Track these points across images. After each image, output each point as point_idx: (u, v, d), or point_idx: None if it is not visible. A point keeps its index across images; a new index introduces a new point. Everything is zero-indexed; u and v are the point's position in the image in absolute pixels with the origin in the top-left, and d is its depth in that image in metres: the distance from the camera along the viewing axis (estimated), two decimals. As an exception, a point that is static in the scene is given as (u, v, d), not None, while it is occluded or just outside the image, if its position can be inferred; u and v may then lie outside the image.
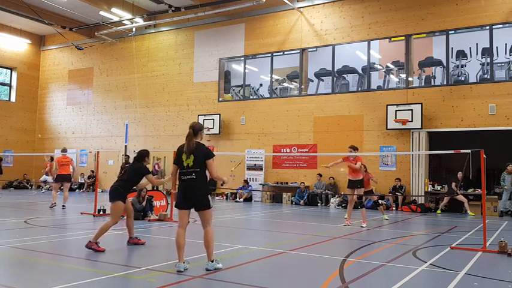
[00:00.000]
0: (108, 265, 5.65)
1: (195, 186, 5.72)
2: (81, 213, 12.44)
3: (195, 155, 5.72)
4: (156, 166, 21.10)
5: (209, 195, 5.87)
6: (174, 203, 5.91)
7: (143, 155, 7.66)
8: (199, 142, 5.87)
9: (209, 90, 21.72)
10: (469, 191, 15.92)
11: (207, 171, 5.86)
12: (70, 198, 18.60)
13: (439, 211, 15.60)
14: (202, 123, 5.91)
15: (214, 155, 5.92)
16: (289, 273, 5.94)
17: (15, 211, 13.47)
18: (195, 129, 5.82)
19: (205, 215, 5.77)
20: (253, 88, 21.95)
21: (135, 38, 23.82)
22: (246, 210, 15.47)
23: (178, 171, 5.88)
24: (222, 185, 6.15)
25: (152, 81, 23.50)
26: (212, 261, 5.72)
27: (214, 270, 5.65)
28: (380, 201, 13.67)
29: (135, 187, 8.02)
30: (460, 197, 15.08)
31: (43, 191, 22.08)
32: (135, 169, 7.53)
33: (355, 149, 11.28)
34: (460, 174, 14.97)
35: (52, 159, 17.33)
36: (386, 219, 12.64)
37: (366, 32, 18.29)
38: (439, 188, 16.51)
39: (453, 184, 15.23)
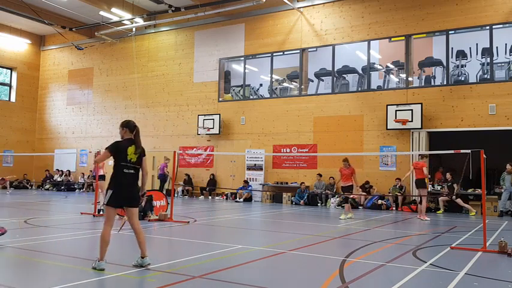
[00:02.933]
0: (108, 265, 5.65)
1: (134, 183, 5.86)
2: (81, 213, 12.44)
3: (140, 154, 5.91)
4: (165, 169, 20.86)
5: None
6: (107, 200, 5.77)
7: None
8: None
9: (209, 90, 21.73)
10: (469, 191, 15.92)
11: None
12: (70, 199, 18.65)
13: (439, 211, 15.58)
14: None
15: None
16: (289, 273, 5.93)
17: (15, 211, 13.47)
18: (135, 126, 5.96)
19: (135, 211, 5.93)
20: (253, 88, 21.95)
21: (135, 38, 23.83)
22: (246, 210, 15.47)
23: (118, 164, 5.79)
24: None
25: (152, 81, 23.50)
26: (143, 257, 5.77)
27: (146, 266, 5.70)
28: (349, 198, 13.67)
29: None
30: (459, 201, 15.08)
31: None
32: None
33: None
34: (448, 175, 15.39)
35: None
36: (347, 219, 12.50)
37: (366, 32, 18.29)
38: (439, 188, 16.50)
39: (455, 185, 15.27)
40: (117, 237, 8.60)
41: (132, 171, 5.83)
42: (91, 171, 21.71)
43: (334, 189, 17.62)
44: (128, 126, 5.92)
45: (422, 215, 13.11)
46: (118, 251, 7.20)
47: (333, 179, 17.88)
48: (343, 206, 16.64)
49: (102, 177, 13.91)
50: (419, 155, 13.59)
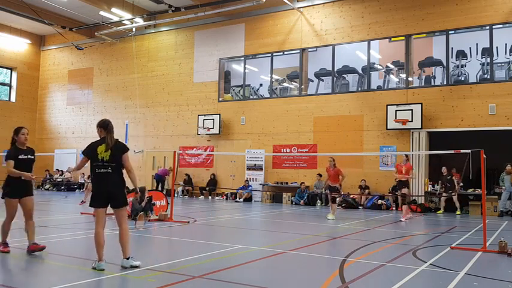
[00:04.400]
0: (108, 265, 5.65)
1: (112, 182, 5.69)
2: (81, 214, 12.44)
3: (112, 150, 5.71)
4: (166, 175, 20.86)
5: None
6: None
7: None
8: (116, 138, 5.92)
9: (209, 90, 21.72)
10: (469, 191, 15.93)
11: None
12: (70, 199, 18.65)
13: (440, 211, 15.58)
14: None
15: (129, 149, 5.98)
16: (289, 273, 5.93)
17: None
18: (112, 126, 5.91)
19: (122, 213, 5.80)
20: (253, 88, 21.95)
21: (135, 38, 23.82)
22: (246, 210, 15.47)
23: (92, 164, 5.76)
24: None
25: (152, 81, 23.50)
26: (128, 259, 5.67)
27: (131, 268, 5.58)
28: (338, 199, 13.68)
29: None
30: (455, 198, 15.13)
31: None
32: None
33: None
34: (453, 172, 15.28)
35: None
36: (330, 219, 12.47)
37: (366, 32, 18.29)
38: (438, 188, 16.50)
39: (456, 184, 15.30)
40: (117, 237, 8.61)
41: (107, 170, 5.65)
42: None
43: (323, 189, 17.65)
44: (103, 125, 5.86)
45: (405, 216, 12.91)
46: (118, 251, 7.20)
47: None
48: (344, 206, 16.74)
49: None
50: (405, 155, 13.25)
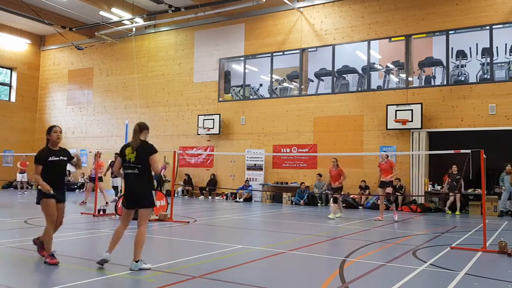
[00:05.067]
0: (108, 265, 5.65)
1: (138, 183, 5.79)
2: (81, 214, 12.44)
3: (138, 151, 5.79)
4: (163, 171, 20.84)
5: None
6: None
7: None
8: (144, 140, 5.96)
9: (209, 90, 21.73)
10: (469, 191, 15.93)
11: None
12: (70, 198, 18.62)
13: (448, 211, 15.43)
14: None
15: (157, 151, 5.92)
16: (289, 273, 5.93)
17: (15, 211, 13.47)
18: (141, 127, 5.96)
19: (144, 214, 5.83)
20: (253, 88, 21.95)
21: (135, 38, 23.82)
22: (246, 210, 15.47)
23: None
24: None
25: (152, 81, 23.50)
26: (137, 262, 5.59)
27: (139, 271, 5.53)
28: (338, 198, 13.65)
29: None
30: (457, 197, 15.12)
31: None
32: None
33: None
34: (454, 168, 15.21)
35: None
36: (337, 218, 12.57)
37: (366, 32, 18.29)
38: (439, 188, 16.51)
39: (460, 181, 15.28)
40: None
41: (134, 171, 5.76)
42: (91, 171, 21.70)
43: (324, 188, 17.69)
44: (134, 128, 5.98)
45: (382, 216, 12.80)
46: (118, 251, 7.20)
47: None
48: (344, 206, 16.72)
49: (100, 179, 14.58)
50: (386, 155, 13.14)
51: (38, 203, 6.00)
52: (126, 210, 5.89)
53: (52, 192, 5.83)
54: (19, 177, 21.26)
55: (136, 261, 5.58)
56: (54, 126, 6.27)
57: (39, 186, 5.92)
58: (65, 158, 6.18)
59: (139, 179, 5.76)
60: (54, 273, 5.63)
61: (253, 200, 19.53)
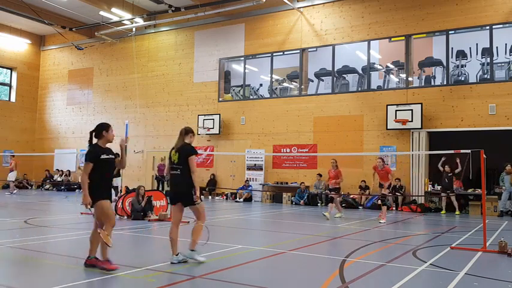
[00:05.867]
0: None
1: (179, 182, 6.15)
2: (81, 214, 12.43)
3: (179, 153, 6.18)
4: (161, 169, 20.84)
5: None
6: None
7: (101, 128, 6.02)
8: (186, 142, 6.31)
9: (209, 90, 21.72)
10: (469, 191, 15.93)
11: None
12: (70, 199, 18.64)
13: (443, 212, 15.50)
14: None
15: (196, 152, 6.27)
16: (289, 273, 5.94)
17: (15, 211, 13.47)
18: (186, 131, 6.36)
19: (193, 210, 6.25)
20: (253, 88, 21.95)
21: (135, 38, 23.82)
22: (246, 210, 15.47)
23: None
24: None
25: (152, 81, 23.50)
26: (193, 250, 6.11)
27: (197, 263, 6.00)
28: (337, 197, 13.63)
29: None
30: (453, 199, 15.11)
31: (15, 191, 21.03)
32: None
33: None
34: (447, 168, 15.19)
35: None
36: (327, 217, 12.55)
37: (366, 32, 18.29)
38: (438, 188, 16.50)
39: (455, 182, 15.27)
40: (117, 237, 8.59)
41: (176, 171, 6.15)
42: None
43: (322, 186, 17.70)
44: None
45: (384, 217, 12.42)
46: (118, 251, 7.19)
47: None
48: (344, 206, 16.72)
49: None
50: (383, 160, 12.84)
51: (92, 206, 5.59)
52: (173, 206, 6.33)
53: (90, 207, 5.58)
54: (10, 176, 21.11)
55: (192, 250, 6.15)
56: (108, 124, 6.05)
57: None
58: (113, 156, 5.98)
59: (181, 178, 6.13)
60: (54, 273, 5.63)
61: (253, 200, 19.53)
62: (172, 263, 5.99)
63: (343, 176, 13.54)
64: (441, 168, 15.49)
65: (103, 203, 5.60)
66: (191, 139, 6.35)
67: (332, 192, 13.19)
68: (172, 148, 6.31)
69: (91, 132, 5.90)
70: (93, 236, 5.68)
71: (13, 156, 22.07)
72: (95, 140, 5.91)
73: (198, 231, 6.23)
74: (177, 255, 6.08)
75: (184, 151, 6.16)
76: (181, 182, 6.12)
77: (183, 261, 6.08)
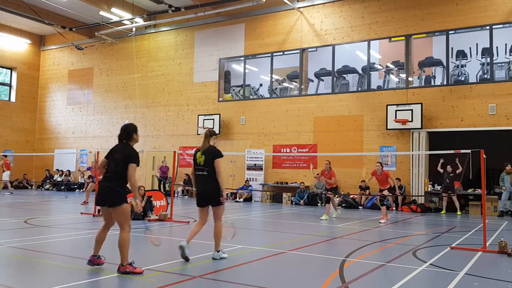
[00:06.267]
0: (108, 265, 5.65)
1: (206, 183, 6.44)
2: (81, 214, 12.44)
3: (206, 155, 6.46)
4: (163, 170, 20.99)
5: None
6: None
7: (131, 130, 5.81)
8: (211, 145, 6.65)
9: (209, 90, 21.72)
10: (469, 191, 15.93)
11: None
12: (70, 199, 18.65)
13: (443, 212, 15.49)
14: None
15: (222, 155, 6.53)
16: (289, 273, 5.94)
17: (15, 211, 13.47)
18: (210, 133, 6.68)
19: (216, 211, 6.49)
20: (253, 88, 21.95)
21: (135, 38, 23.82)
22: (246, 210, 15.47)
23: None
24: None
25: (152, 81, 23.50)
26: (218, 251, 6.46)
27: (220, 260, 6.37)
28: (335, 197, 13.61)
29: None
30: (454, 198, 15.12)
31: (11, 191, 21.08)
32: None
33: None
34: (449, 168, 15.17)
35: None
36: (334, 218, 12.67)
37: (366, 32, 18.29)
38: (438, 188, 16.50)
39: (455, 183, 15.26)
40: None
41: (203, 172, 6.44)
42: (89, 169, 21.74)
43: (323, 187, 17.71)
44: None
45: (384, 217, 12.48)
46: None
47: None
48: (344, 206, 16.74)
49: None
50: (381, 165, 12.74)
51: (118, 204, 5.44)
52: (199, 208, 6.58)
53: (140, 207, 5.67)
54: (4, 176, 21.12)
55: (217, 251, 6.44)
56: (136, 125, 5.92)
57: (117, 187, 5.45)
58: None
59: (208, 179, 6.41)
60: (54, 274, 5.63)
61: (253, 200, 19.53)
62: (214, 258, 6.42)
63: (343, 176, 13.53)
64: (441, 170, 15.49)
65: (126, 206, 5.56)
66: (214, 141, 6.67)
67: (329, 192, 13.17)
68: (198, 150, 6.57)
69: (121, 135, 5.77)
70: (120, 243, 5.47)
71: (5, 156, 22.07)
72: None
73: (220, 234, 6.49)
74: (218, 251, 6.48)
75: (210, 154, 6.43)
76: (208, 183, 6.40)
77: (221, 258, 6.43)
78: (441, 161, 15.46)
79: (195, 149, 6.79)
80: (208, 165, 6.39)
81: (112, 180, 5.51)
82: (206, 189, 6.43)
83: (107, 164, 5.69)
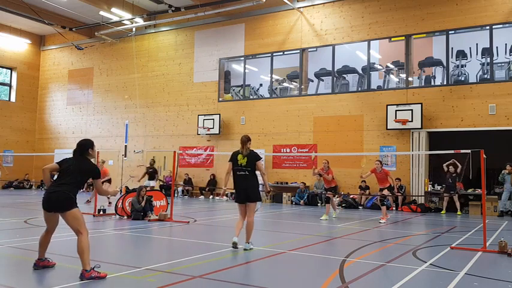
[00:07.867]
0: (108, 265, 5.65)
1: (246, 182, 7.32)
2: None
3: (248, 158, 7.34)
4: (167, 180, 21.00)
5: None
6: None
7: (87, 145, 5.73)
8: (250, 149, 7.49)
9: (209, 90, 21.73)
10: (469, 191, 15.93)
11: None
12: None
13: (443, 212, 15.49)
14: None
15: (261, 158, 7.49)
16: (289, 273, 5.93)
17: (15, 211, 13.47)
18: (247, 139, 7.48)
19: (251, 207, 7.33)
20: (253, 88, 21.95)
21: (135, 38, 23.83)
22: (246, 210, 15.43)
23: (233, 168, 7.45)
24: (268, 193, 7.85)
25: (152, 81, 23.50)
26: (248, 243, 7.24)
27: (248, 249, 7.15)
28: (335, 197, 13.56)
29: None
30: (455, 198, 15.12)
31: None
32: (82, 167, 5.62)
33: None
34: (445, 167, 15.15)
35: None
36: (333, 218, 12.67)
37: (366, 32, 18.29)
38: (439, 188, 16.51)
39: (457, 183, 15.25)
40: (117, 237, 8.60)
41: (243, 172, 7.34)
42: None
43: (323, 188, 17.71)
44: (240, 140, 7.50)
45: (384, 217, 12.43)
46: (118, 251, 7.20)
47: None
48: (343, 206, 16.74)
49: (108, 181, 15.19)
50: (381, 163, 12.65)
51: (69, 209, 5.54)
52: (238, 204, 7.48)
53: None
54: None
55: (248, 242, 7.24)
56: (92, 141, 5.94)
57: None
58: None
59: (248, 179, 7.33)
60: (54, 274, 5.63)
61: (253, 200, 19.48)
62: (245, 249, 7.18)
63: (343, 176, 13.50)
64: (445, 169, 15.44)
65: (78, 210, 5.68)
66: (249, 145, 7.48)
67: (328, 192, 13.15)
68: (238, 153, 7.42)
69: (77, 150, 5.74)
70: (81, 248, 5.40)
71: None
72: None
73: (252, 226, 7.34)
74: (248, 243, 7.25)
75: (252, 156, 7.36)
76: (248, 182, 7.31)
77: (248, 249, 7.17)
78: (452, 160, 15.27)
79: (233, 152, 7.58)
80: (250, 166, 7.30)
81: (63, 184, 5.40)
82: (248, 188, 7.30)
83: (59, 173, 5.56)
